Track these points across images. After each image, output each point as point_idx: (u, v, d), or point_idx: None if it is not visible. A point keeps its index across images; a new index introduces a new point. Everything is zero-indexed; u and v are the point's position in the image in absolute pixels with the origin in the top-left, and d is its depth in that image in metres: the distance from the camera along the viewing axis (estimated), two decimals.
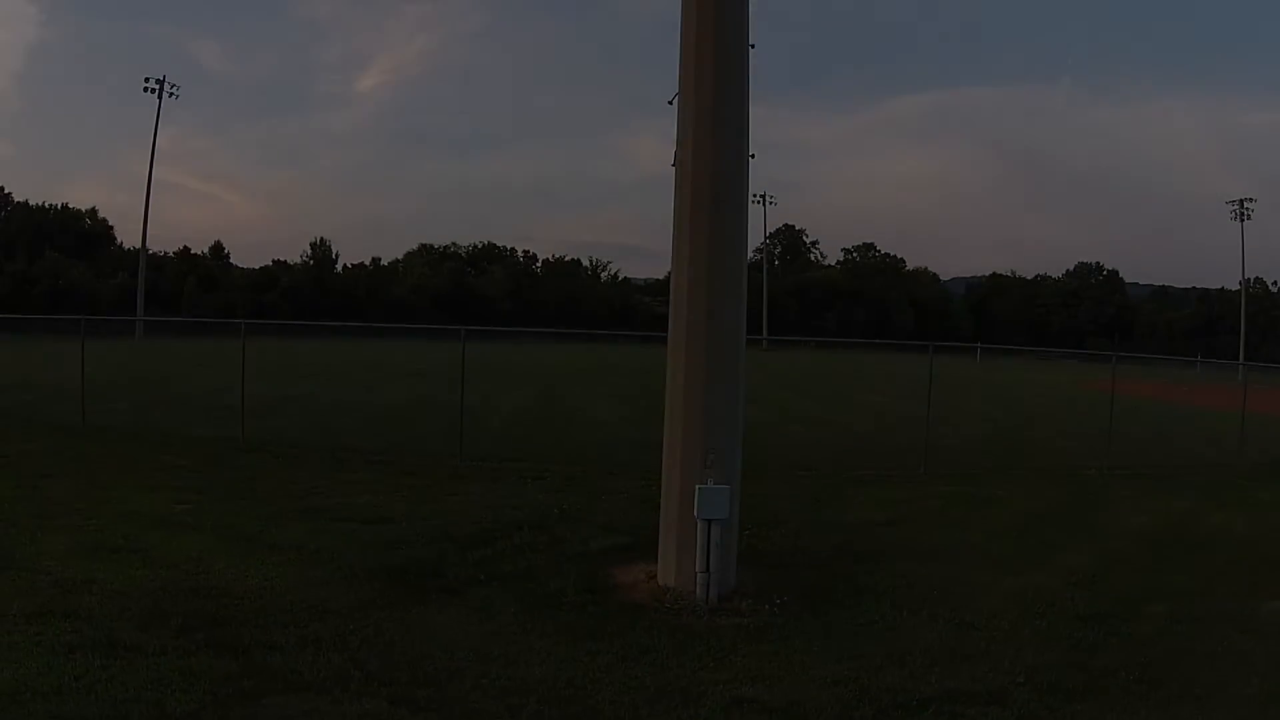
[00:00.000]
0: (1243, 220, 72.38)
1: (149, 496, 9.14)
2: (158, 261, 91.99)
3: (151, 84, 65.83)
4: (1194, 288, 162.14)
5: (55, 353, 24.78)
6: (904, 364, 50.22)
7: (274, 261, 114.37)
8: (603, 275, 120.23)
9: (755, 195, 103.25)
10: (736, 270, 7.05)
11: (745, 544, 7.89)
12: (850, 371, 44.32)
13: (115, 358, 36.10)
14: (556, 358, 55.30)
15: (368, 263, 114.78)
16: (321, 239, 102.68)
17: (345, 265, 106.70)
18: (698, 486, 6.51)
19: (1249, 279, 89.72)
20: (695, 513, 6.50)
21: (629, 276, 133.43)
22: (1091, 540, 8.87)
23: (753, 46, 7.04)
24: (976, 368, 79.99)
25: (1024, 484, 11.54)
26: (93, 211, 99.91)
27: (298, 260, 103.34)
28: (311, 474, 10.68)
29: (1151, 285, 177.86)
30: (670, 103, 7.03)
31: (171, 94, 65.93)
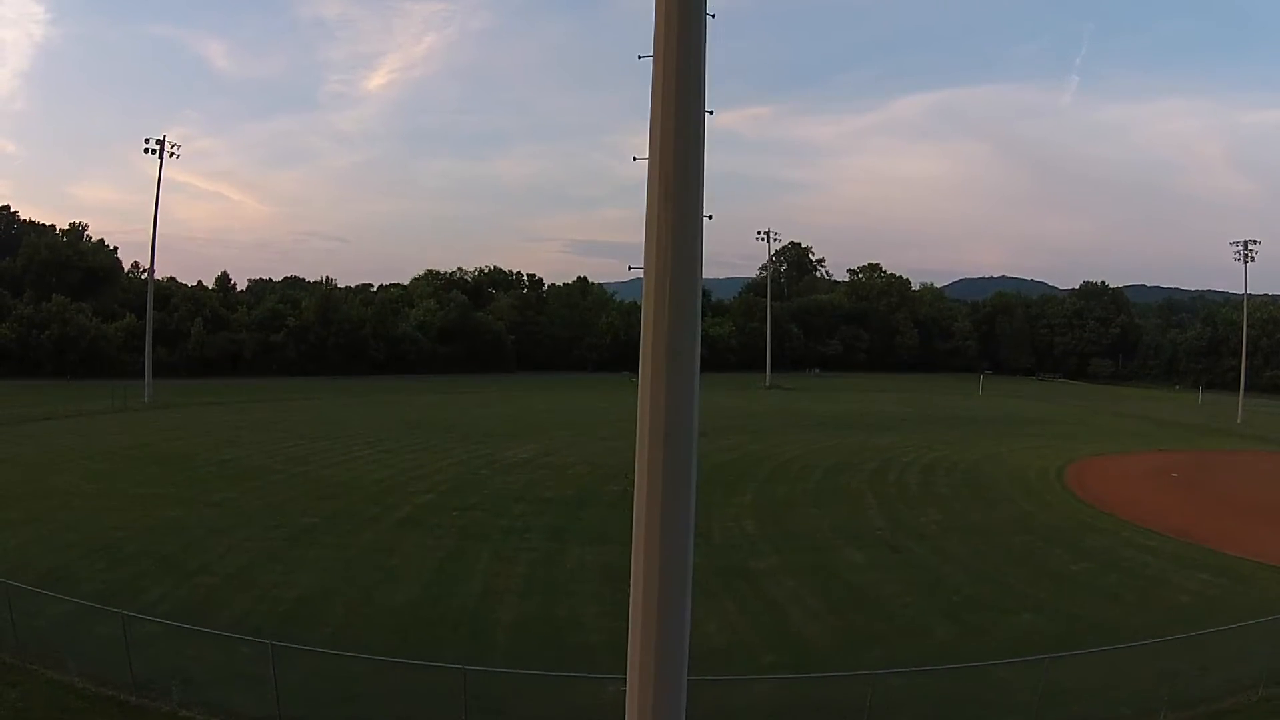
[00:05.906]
0: (1246, 262, 73.72)
1: None
2: (164, 293, 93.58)
3: (152, 144, 66.97)
4: (1200, 294, 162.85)
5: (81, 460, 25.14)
6: (901, 433, 47.56)
7: (286, 277, 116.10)
8: (610, 304, 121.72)
9: (759, 232, 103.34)
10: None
11: None
12: (837, 470, 44.16)
13: (130, 449, 36.03)
14: (553, 424, 54.87)
15: (374, 287, 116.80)
16: (327, 278, 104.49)
17: (349, 287, 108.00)
18: None
19: (1253, 295, 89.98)
20: None
21: (636, 277, 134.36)
22: None
23: (711, 113, 6.99)
24: (977, 400, 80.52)
25: None
26: (100, 244, 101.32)
27: (305, 278, 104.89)
28: None
29: (1159, 288, 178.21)
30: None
31: (172, 154, 67.11)
